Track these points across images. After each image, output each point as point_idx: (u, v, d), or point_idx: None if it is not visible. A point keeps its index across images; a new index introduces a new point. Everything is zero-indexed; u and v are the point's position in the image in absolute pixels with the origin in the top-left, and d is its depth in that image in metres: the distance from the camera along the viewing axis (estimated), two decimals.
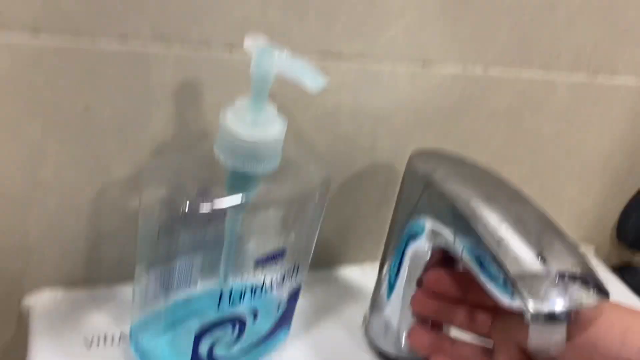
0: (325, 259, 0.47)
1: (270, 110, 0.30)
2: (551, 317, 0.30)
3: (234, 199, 0.31)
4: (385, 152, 0.43)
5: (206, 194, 0.32)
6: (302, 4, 0.35)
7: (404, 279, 0.39)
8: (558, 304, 0.29)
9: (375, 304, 0.41)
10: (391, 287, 0.40)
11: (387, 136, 0.42)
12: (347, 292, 0.46)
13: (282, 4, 0.34)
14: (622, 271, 0.57)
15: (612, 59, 0.45)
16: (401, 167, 0.39)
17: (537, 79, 0.44)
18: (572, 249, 0.32)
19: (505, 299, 0.30)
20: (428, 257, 0.37)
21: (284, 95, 0.37)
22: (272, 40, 0.34)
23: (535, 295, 0.29)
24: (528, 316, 0.30)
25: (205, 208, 0.31)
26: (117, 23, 0.32)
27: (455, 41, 0.40)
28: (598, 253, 0.57)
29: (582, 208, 0.53)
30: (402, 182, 0.39)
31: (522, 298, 0.29)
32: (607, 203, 0.54)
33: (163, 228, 0.33)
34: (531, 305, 0.29)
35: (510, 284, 0.30)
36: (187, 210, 0.30)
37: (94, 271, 0.40)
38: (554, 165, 0.49)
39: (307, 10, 0.35)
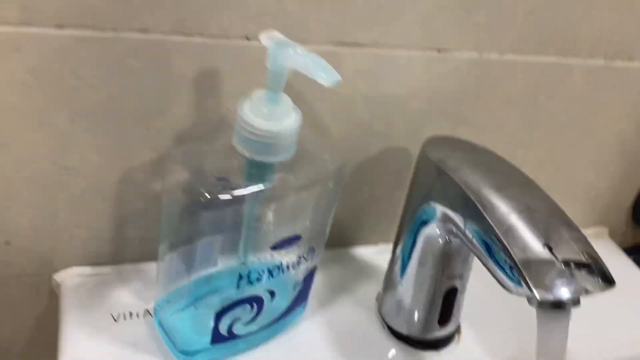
0: (340, 239, 0.48)
1: (286, 102, 0.31)
2: (557, 305, 0.31)
3: (251, 188, 0.33)
4: (400, 137, 0.43)
5: (225, 180, 0.34)
6: None
7: (417, 261, 0.40)
8: (564, 292, 0.30)
9: (389, 284, 0.43)
10: (404, 268, 0.41)
11: (402, 121, 0.43)
12: (361, 271, 0.48)
13: None
14: (637, 253, 0.57)
15: (630, 45, 0.45)
16: (416, 152, 0.40)
17: (553, 64, 0.44)
18: (580, 238, 0.32)
19: (512, 286, 0.31)
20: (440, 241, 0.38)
21: (299, 83, 0.38)
22: (288, 30, 0.35)
23: (541, 283, 0.30)
24: (534, 303, 0.31)
25: (224, 195, 0.32)
26: (139, 16, 0.33)
27: (471, 28, 0.40)
28: (612, 235, 0.57)
29: (597, 191, 0.54)
30: (416, 168, 0.40)
31: (529, 285, 0.30)
32: (623, 186, 0.54)
33: (185, 211, 0.35)
34: (537, 293, 0.30)
35: (517, 271, 0.31)
36: (207, 197, 0.31)
37: (120, 250, 0.42)
38: (569, 149, 0.49)
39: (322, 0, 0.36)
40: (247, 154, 0.32)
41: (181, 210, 0.35)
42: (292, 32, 0.35)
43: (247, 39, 0.36)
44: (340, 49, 0.38)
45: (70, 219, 0.39)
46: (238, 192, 0.32)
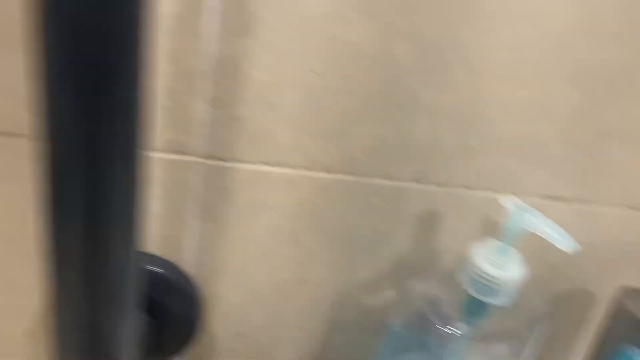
0: None
1: (515, 254, 0.36)
2: None
3: (468, 324, 0.38)
4: (587, 281, 0.47)
5: (437, 306, 0.39)
6: (535, 157, 0.41)
7: None
8: None
9: None
10: None
11: (592, 268, 0.46)
12: None
13: (519, 156, 0.41)
14: None
15: None
16: (601, 296, 0.43)
17: None
18: None
19: None
20: None
21: None
22: (502, 182, 0.41)
23: None
24: None
25: (441, 329, 0.37)
26: (387, 167, 0.40)
27: None
28: None
29: None
30: (610, 315, 0.43)
31: None
32: None
33: (398, 329, 0.40)
34: None
35: None
36: (437, 327, 0.37)
37: (324, 350, 0.48)
38: None
39: (539, 161, 0.41)
40: (472, 292, 0.37)
41: (394, 327, 0.40)
42: (505, 184, 0.42)
43: (468, 188, 0.42)
44: (546, 202, 0.43)
45: (294, 320, 0.46)
46: (462, 329, 0.37)
